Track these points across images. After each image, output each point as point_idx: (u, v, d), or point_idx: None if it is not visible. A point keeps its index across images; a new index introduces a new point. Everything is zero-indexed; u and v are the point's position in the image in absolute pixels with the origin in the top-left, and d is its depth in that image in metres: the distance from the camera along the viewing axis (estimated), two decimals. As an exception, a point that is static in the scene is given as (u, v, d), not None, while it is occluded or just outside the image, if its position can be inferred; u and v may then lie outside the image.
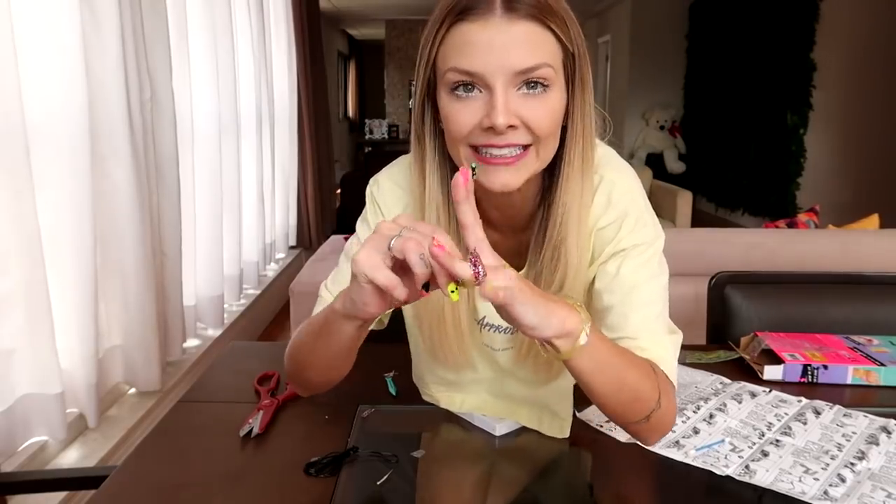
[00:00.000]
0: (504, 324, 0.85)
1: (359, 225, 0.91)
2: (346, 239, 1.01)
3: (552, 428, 0.88)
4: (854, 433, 0.90)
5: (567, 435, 0.87)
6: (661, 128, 7.40)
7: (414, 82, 0.79)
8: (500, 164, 0.71)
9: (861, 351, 1.12)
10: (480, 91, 0.69)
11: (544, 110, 0.70)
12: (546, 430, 0.88)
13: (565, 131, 0.76)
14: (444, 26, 0.70)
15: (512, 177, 0.71)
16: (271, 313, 3.63)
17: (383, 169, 0.91)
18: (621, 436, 0.89)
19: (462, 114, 0.70)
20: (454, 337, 0.84)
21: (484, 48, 0.67)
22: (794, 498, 0.75)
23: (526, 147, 0.71)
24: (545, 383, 0.87)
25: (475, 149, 0.72)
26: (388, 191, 0.88)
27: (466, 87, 0.69)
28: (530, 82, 0.69)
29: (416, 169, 0.80)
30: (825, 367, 1.07)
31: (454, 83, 0.70)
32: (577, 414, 0.94)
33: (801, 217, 2.75)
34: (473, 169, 0.64)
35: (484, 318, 0.87)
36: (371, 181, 0.91)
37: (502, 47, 0.67)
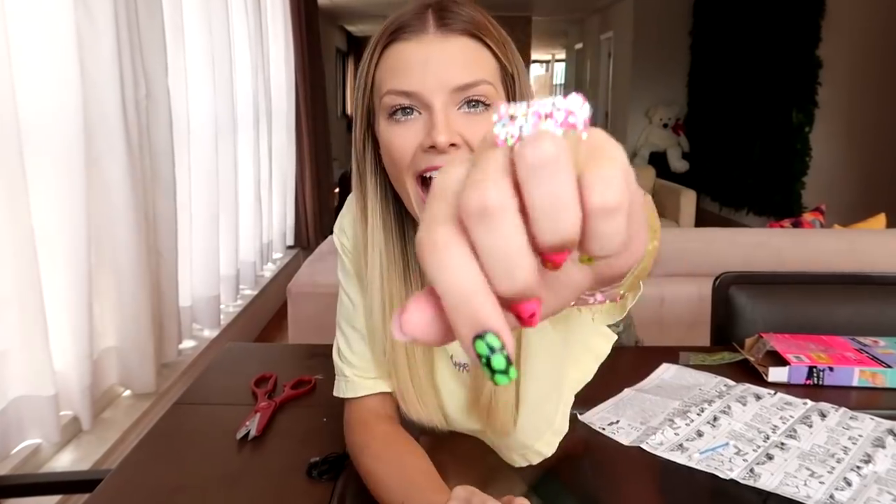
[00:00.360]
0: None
1: (340, 277, 0.87)
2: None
3: (537, 455, 0.83)
4: (860, 436, 0.90)
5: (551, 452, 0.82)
6: (665, 126, 7.41)
7: (353, 115, 0.75)
8: None
9: (867, 352, 1.12)
10: (420, 112, 0.67)
11: (486, 129, 0.67)
12: (533, 460, 0.83)
13: None
14: (379, 49, 0.69)
15: None
16: (268, 314, 3.63)
17: (345, 208, 0.86)
18: (624, 438, 0.89)
19: (402, 137, 0.68)
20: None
21: (420, 66, 0.66)
22: (799, 502, 0.75)
23: None
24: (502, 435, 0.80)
25: (422, 180, 0.68)
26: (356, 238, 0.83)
27: (405, 110, 0.67)
28: (471, 101, 0.67)
29: (358, 209, 0.77)
30: (831, 368, 1.07)
31: (392, 107, 0.68)
32: (579, 416, 0.94)
33: (807, 216, 2.75)
34: None
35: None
36: (336, 228, 0.87)
37: (438, 64, 0.66)
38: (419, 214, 0.69)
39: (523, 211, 0.22)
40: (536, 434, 0.80)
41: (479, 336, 0.21)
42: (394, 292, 0.76)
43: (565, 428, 0.83)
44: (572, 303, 0.27)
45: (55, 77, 1.65)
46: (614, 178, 0.22)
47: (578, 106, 0.23)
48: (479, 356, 0.22)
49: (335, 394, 0.87)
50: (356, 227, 0.79)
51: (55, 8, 1.63)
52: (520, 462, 0.82)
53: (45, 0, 1.61)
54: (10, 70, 1.48)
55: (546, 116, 0.22)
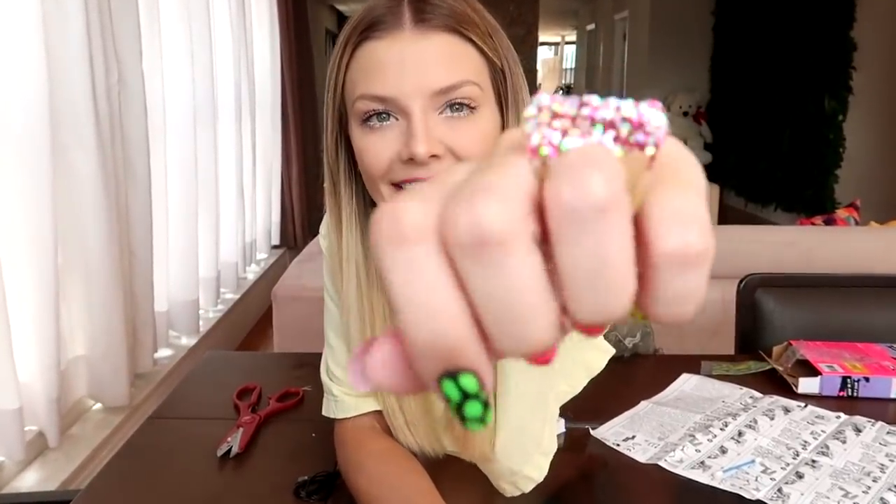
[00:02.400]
0: None
1: (326, 282, 0.86)
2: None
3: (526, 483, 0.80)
4: (899, 453, 0.90)
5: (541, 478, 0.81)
6: (685, 114, 7.40)
7: (324, 117, 0.74)
8: None
9: (906, 361, 1.12)
10: (397, 118, 0.65)
11: (472, 135, 0.65)
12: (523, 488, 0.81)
13: None
14: (350, 47, 0.67)
15: None
16: (252, 320, 3.63)
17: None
18: (640, 455, 0.89)
19: (377, 146, 0.65)
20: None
21: (395, 67, 0.64)
22: (832, 524, 0.75)
23: None
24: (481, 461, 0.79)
25: (397, 187, 0.67)
26: None
27: (380, 115, 0.65)
28: (454, 104, 0.65)
29: (332, 220, 0.75)
30: (866, 379, 1.07)
31: (365, 113, 0.65)
32: (592, 432, 0.94)
33: (841, 213, 2.75)
34: None
35: None
36: (322, 227, 0.86)
37: (416, 65, 0.63)
38: None
39: (546, 250, 0.17)
40: (523, 458, 0.78)
41: (451, 375, 0.17)
42: (374, 307, 0.75)
43: (554, 446, 0.81)
44: None
45: (17, 60, 1.65)
46: (695, 213, 0.17)
47: (653, 118, 0.17)
48: (448, 399, 0.18)
49: (324, 413, 0.87)
50: (331, 237, 0.78)
51: (19, -14, 1.63)
52: (511, 491, 0.80)
53: (7, -23, 1.62)
54: (-31, 53, 1.48)
55: (605, 125, 0.17)
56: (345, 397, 0.84)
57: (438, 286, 0.17)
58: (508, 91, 0.70)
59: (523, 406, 0.77)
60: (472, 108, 0.66)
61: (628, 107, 0.17)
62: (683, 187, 0.17)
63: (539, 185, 0.17)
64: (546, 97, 0.18)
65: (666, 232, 0.16)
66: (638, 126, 0.17)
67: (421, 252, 0.17)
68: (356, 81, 0.66)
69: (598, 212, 0.16)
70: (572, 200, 0.16)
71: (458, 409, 0.18)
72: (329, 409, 0.86)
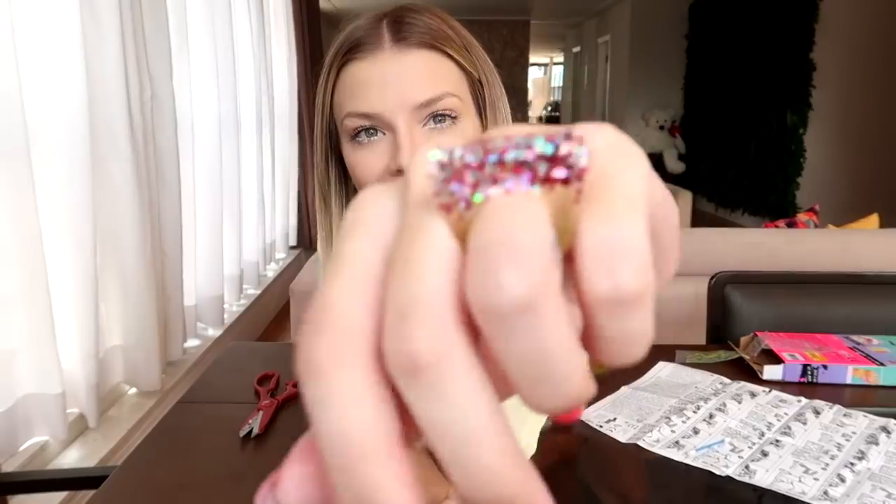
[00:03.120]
0: None
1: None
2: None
3: None
4: (854, 433, 0.90)
5: None
6: (661, 128, 7.41)
7: (314, 137, 0.72)
8: None
9: (861, 351, 1.12)
10: (384, 133, 0.63)
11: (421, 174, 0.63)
12: None
13: None
14: (335, 69, 0.65)
15: None
16: (271, 313, 3.63)
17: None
18: (621, 435, 0.89)
19: (367, 161, 0.64)
20: None
21: (377, 85, 0.62)
22: (794, 498, 0.75)
23: None
24: None
25: None
26: None
27: (368, 131, 0.63)
28: (436, 116, 0.63)
29: (323, 233, 0.73)
30: (825, 366, 1.07)
31: (354, 130, 0.64)
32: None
33: (801, 217, 2.75)
34: None
35: None
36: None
37: (397, 81, 0.62)
38: None
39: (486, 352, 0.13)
40: None
41: None
42: None
43: (533, 447, 0.77)
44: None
45: (61, 78, 1.64)
46: (628, 242, 0.13)
47: (573, 155, 0.13)
48: None
49: None
50: (320, 249, 0.74)
51: (61, 11, 1.63)
52: None
53: (50, 3, 1.61)
54: (17, 72, 1.47)
55: (518, 168, 0.13)
56: None
57: (354, 419, 0.13)
58: (486, 101, 0.68)
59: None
60: (454, 118, 0.64)
61: (541, 143, 0.13)
62: (614, 207, 0.13)
63: (460, 252, 0.13)
64: (440, 151, 0.14)
65: (594, 273, 0.13)
66: (554, 161, 0.13)
67: (333, 385, 0.13)
68: (343, 101, 0.65)
69: (520, 311, 0.12)
70: (490, 301, 0.12)
71: None
72: None
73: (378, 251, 0.14)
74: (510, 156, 0.13)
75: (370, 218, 0.15)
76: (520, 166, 0.13)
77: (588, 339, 0.14)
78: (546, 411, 0.13)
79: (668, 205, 0.16)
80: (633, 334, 0.13)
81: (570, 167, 0.13)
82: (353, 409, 0.13)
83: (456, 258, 0.13)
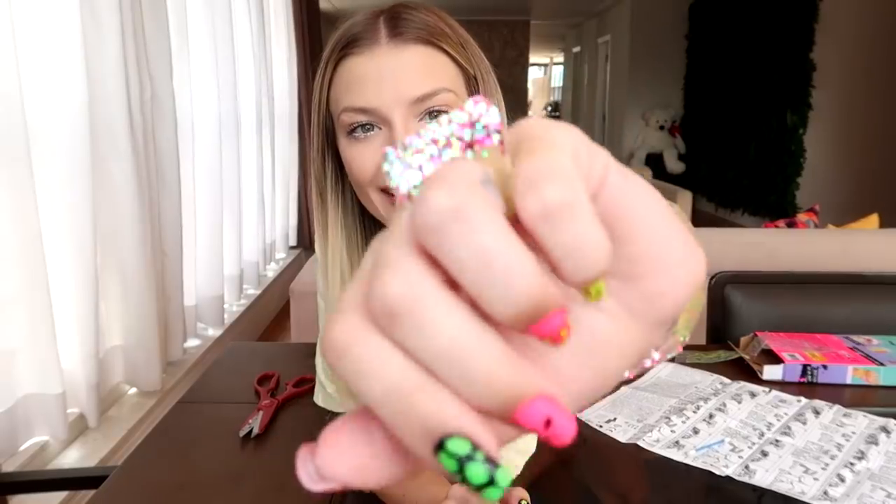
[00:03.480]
0: None
1: (319, 281, 0.83)
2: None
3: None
4: (853, 433, 0.90)
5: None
6: (661, 128, 7.40)
7: (311, 132, 0.73)
8: None
9: (861, 351, 1.12)
10: (380, 128, 0.64)
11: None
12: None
13: None
14: (331, 65, 0.66)
15: None
16: (271, 313, 3.63)
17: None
18: (621, 435, 0.89)
19: (363, 156, 0.64)
20: None
21: (374, 80, 0.62)
22: (793, 498, 0.75)
23: None
24: None
25: (386, 192, 0.65)
26: None
27: (364, 126, 0.64)
28: (432, 111, 0.63)
29: (319, 228, 0.73)
30: (825, 366, 1.07)
31: (350, 125, 0.64)
32: (577, 414, 0.94)
33: (801, 217, 2.75)
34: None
35: None
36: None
37: (393, 76, 0.62)
38: (388, 219, 0.66)
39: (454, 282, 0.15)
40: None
41: (440, 447, 0.15)
42: None
43: (532, 448, 0.77)
44: (627, 373, 0.19)
45: (61, 78, 1.64)
46: (548, 167, 0.15)
47: (481, 112, 0.16)
48: (451, 471, 0.15)
49: (315, 400, 0.86)
50: (318, 244, 0.75)
51: (61, 11, 1.63)
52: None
53: (51, 3, 1.61)
54: (17, 72, 1.47)
55: (445, 144, 0.16)
56: (337, 395, 0.83)
57: (387, 373, 0.15)
58: (483, 95, 0.68)
59: None
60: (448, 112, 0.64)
61: (457, 114, 0.17)
62: (535, 151, 0.15)
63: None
64: (391, 150, 0.17)
65: (523, 196, 0.15)
66: (472, 125, 0.16)
67: (357, 350, 0.15)
68: (339, 96, 0.65)
69: (451, 219, 0.14)
70: (427, 219, 0.15)
71: (463, 477, 0.15)
72: (319, 398, 0.85)
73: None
74: (440, 133, 0.16)
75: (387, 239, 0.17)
76: (448, 140, 0.16)
77: (549, 260, 0.15)
78: (509, 318, 0.15)
79: (627, 188, 0.17)
80: (574, 242, 0.15)
81: (486, 126, 0.16)
82: (388, 361, 0.15)
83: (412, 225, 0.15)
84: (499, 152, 0.16)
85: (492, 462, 0.15)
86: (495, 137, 0.16)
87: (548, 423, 0.15)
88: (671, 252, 0.17)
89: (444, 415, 0.15)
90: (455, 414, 0.15)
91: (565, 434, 0.15)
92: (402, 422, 0.15)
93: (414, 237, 0.15)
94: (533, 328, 0.15)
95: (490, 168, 0.16)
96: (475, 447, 0.15)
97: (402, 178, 0.16)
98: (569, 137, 0.16)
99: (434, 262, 0.15)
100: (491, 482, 0.15)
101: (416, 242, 0.15)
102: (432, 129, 0.16)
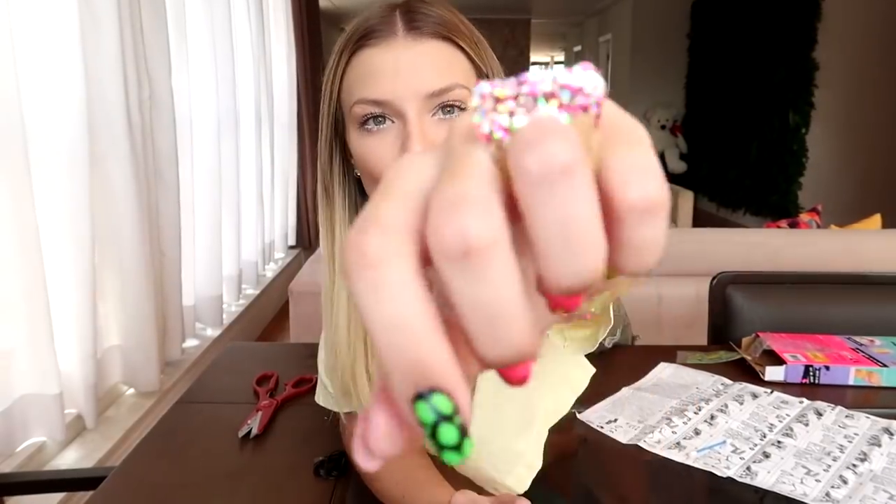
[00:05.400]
0: None
1: (325, 280, 0.83)
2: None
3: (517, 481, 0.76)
4: (856, 434, 0.90)
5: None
6: (663, 127, 7.40)
7: (318, 124, 0.71)
8: None
9: (863, 352, 1.12)
10: (393, 121, 0.63)
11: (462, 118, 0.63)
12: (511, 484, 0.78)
13: None
14: (345, 56, 0.65)
15: None
16: (270, 313, 3.63)
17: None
18: (622, 436, 0.89)
19: (377, 149, 0.63)
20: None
21: (390, 72, 0.62)
22: (795, 500, 0.75)
23: None
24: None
25: None
26: None
27: (377, 119, 0.63)
28: (446, 106, 0.63)
29: (325, 224, 0.72)
30: (827, 368, 1.07)
31: (363, 117, 0.63)
32: (578, 415, 0.94)
33: (803, 217, 2.75)
34: None
35: None
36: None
37: (409, 69, 0.62)
38: None
39: (519, 240, 0.16)
40: (506, 467, 0.76)
41: (422, 396, 0.15)
42: None
43: (538, 464, 0.77)
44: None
45: (59, 77, 1.65)
46: (651, 165, 0.16)
47: (590, 81, 0.17)
48: (422, 423, 0.15)
49: (316, 399, 0.86)
50: (322, 248, 0.74)
51: (59, 9, 1.63)
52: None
53: (49, 1, 1.61)
54: (14, 71, 1.47)
55: (546, 97, 0.16)
56: (338, 394, 0.83)
57: (404, 302, 0.15)
58: None
59: (507, 419, 0.74)
60: (463, 109, 0.64)
61: (564, 75, 0.17)
62: (634, 143, 0.17)
63: (499, 170, 0.16)
64: (486, 85, 0.17)
65: (627, 184, 0.16)
66: (577, 91, 0.16)
67: (384, 272, 0.15)
68: (353, 87, 0.65)
69: (564, 173, 0.15)
70: (538, 167, 0.15)
71: (433, 434, 0.15)
72: (320, 398, 0.86)
73: (421, 183, 0.17)
74: (540, 87, 0.16)
75: (413, 164, 0.17)
76: (548, 96, 0.16)
77: (613, 248, 0.16)
78: (571, 281, 0.15)
79: None
80: (652, 238, 0.16)
81: (588, 95, 0.16)
82: (404, 293, 0.15)
83: (495, 176, 0.16)
84: (592, 126, 0.17)
85: (464, 430, 0.15)
86: (594, 110, 0.17)
87: (523, 379, 0.16)
88: None
89: (443, 368, 0.15)
90: (451, 370, 0.15)
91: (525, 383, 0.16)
92: (395, 355, 0.15)
93: (503, 181, 0.16)
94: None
95: (580, 136, 0.16)
96: (455, 411, 0.15)
97: (489, 118, 0.16)
98: (647, 136, 0.17)
99: (508, 212, 0.16)
100: (456, 447, 0.15)
101: (501, 182, 0.16)
102: (532, 81, 0.16)
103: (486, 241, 0.15)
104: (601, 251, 0.15)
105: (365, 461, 0.17)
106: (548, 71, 0.17)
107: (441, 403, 0.15)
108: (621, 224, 0.16)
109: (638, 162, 0.16)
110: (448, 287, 0.15)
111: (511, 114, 0.16)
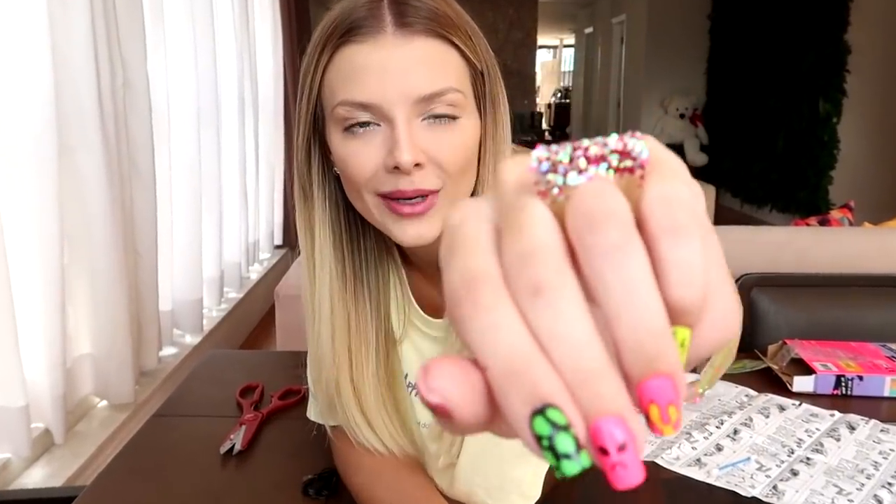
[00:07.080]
0: None
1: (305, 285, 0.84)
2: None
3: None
4: (892, 450, 0.90)
5: None
6: (681, 116, 7.41)
7: (295, 120, 0.70)
8: (409, 217, 0.64)
9: (900, 360, 1.12)
10: (379, 125, 0.63)
11: (454, 144, 0.63)
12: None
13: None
14: (328, 51, 0.64)
15: (425, 228, 0.64)
16: (255, 319, 3.63)
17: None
18: (637, 453, 0.89)
19: (361, 155, 0.63)
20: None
21: (377, 73, 0.61)
22: (826, 521, 0.75)
23: (435, 192, 0.64)
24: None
25: (383, 197, 0.64)
26: None
27: (362, 122, 0.63)
28: (437, 112, 0.63)
29: (304, 225, 0.72)
30: (860, 377, 1.07)
31: (347, 120, 0.63)
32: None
33: (835, 214, 2.75)
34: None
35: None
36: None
37: (399, 70, 0.61)
38: (381, 223, 0.66)
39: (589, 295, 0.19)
40: (499, 494, 0.76)
41: (539, 411, 0.18)
42: (349, 314, 0.73)
43: (536, 493, 0.77)
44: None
45: (24, 63, 1.64)
46: (680, 191, 0.20)
47: (636, 146, 0.20)
48: (539, 437, 0.18)
49: (308, 415, 0.86)
50: (302, 242, 0.74)
51: (25, -11, 1.63)
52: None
53: (14, -20, 1.61)
54: (-24, 56, 1.48)
55: (598, 160, 0.20)
56: (323, 406, 0.82)
57: (519, 337, 0.19)
58: (488, 95, 0.68)
59: (501, 444, 0.73)
60: (454, 117, 0.64)
61: (613, 140, 0.20)
62: (666, 174, 0.20)
63: (560, 220, 0.20)
64: (543, 150, 0.20)
65: (658, 213, 0.19)
66: (625, 154, 0.20)
67: (497, 316, 0.19)
68: (336, 86, 0.64)
69: (618, 250, 0.19)
70: (596, 245, 0.19)
71: (550, 446, 0.18)
72: (312, 413, 0.86)
73: (488, 234, 0.21)
74: (591, 151, 0.20)
75: (475, 211, 0.21)
76: (598, 159, 0.20)
77: (659, 275, 0.19)
78: (635, 342, 0.19)
79: (710, 229, 0.22)
80: (687, 260, 0.19)
81: (634, 158, 0.20)
82: (516, 329, 0.19)
83: (556, 225, 0.20)
84: (637, 185, 0.20)
85: (579, 441, 0.18)
86: (638, 172, 0.20)
87: (622, 447, 0.18)
88: (720, 299, 0.21)
89: (555, 387, 0.18)
90: (563, 391, 0.18)
91: (631, 472, 0.19)
92: (511, 381, 0.19)
93: (558, 226, 0.20)
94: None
95: (620, 189, 0.20)
96: (569, 423, 0.18)
97: (545, 179, 0.20)
98: (685, 169, 0.21)
99: (573, 259, 0.20)
100: (574, 456, 0.19)
101: (566, 240, 0.20)
102: (584, 146, 0.20)
103: (552, 282, 0.19)
104: (657, 299, 0.19)
105: (425, 390, 0.20)
106: (599, 138, 0.21)
107: (556, 416, 0.18)
108: (657, 247, 0.19)
109: (668, 191, 0.20)
110: (530, 321, 0.19)
111: (566, 173, 0.20)
